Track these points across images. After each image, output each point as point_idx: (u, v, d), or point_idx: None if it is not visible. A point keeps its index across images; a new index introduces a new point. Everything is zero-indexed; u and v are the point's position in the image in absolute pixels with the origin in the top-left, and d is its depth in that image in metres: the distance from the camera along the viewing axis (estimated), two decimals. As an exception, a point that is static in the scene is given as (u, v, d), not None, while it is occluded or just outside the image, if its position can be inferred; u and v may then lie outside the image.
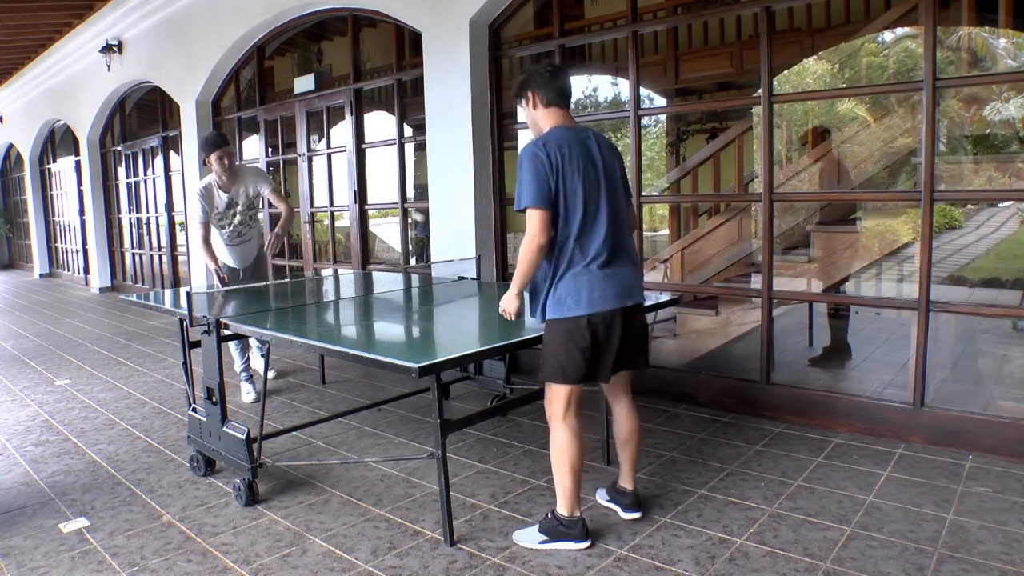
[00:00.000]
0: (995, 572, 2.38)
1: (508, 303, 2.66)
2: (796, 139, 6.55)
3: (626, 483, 2.87)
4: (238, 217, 4.69)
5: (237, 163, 4.86)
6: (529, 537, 2.68)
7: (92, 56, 9.61)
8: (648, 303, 3.08)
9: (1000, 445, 3.33)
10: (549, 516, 2.68)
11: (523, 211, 2.48)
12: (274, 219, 7.60)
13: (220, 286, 4.44)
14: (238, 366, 4.89)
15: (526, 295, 2.69)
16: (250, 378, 4.91)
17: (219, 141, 4.48)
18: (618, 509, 2.87)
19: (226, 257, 4.82)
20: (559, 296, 2.53)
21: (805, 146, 6.26)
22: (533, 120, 2.66)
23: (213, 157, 4.43)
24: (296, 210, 7.24)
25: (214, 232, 4.71)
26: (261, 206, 4.86)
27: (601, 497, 2.97)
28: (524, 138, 5.83)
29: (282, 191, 4.99)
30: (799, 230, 5.76)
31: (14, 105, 13.73)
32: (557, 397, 2.59)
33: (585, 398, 2.71)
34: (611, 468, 3.31)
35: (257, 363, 5.24)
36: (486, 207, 5.23)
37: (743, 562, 2.49)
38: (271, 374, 5.08)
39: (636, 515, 2.83)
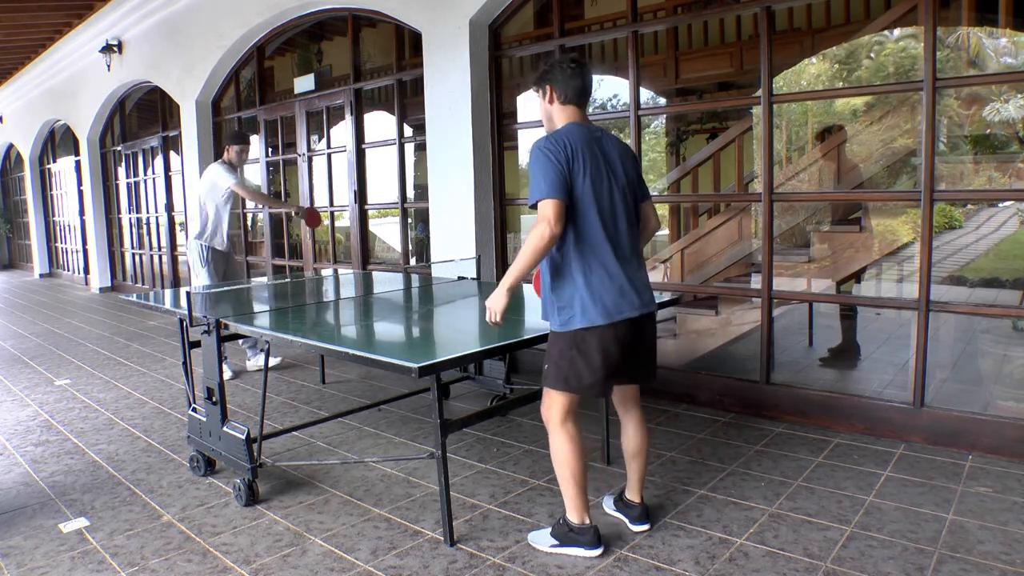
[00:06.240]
0: (995, 572, 2.38)
1: (495, 302, 2.48)
2: (795, 139, 6.56)
3: (634, 496, 2.77)
4: (230, 201, 5.31)
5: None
6: (542, 540, 2.63)
7: (92, 56, 9.61)
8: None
9: (1000, 445, 3.33)
10: (560, 521, 2.60)
11: (535, 206, 2.35)
12: (275, 219, 7.63)
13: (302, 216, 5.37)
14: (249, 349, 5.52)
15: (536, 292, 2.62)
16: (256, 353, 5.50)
17: (247, 138, 5.38)
18: (626, 520, 2.78)
19: (222, 237, 5.27)
20: (566, 302, 2.44)
21: (805, 146, 6.26)
22: (547, 114, 2.56)
23: (236, 148, 5.19)
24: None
25: (219, 212, 5.21)
26: (255, 206, 5.56)
27: (608, 507, 2.89)
28: (524, 138, 5.84)
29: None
30: (799, 230, 5.76)
31: (14, 105, 13.73)
32: (555, 403, 2.53)
33: (583, 399, 2.68)
34: (611, 468, 3.32)
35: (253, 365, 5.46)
36: (486, 207, 5.23)
37: (743, 562, 2.49)
38: (228, 374, 5.25)
39: (645, 527, 2.74)
